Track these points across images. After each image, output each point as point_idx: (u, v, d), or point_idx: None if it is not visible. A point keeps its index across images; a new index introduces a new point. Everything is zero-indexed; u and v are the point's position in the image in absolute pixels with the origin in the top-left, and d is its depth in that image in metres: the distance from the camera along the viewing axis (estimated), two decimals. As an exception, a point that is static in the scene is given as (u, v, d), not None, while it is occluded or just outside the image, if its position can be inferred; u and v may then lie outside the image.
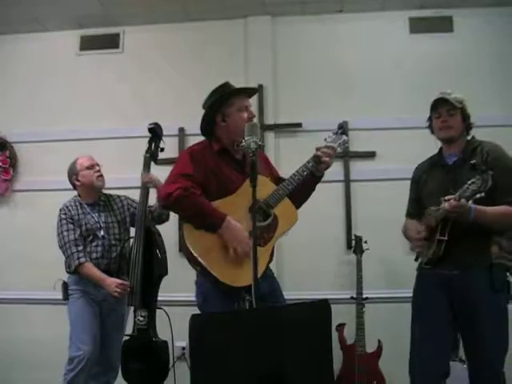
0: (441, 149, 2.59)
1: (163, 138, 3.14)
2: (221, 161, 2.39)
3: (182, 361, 3.43)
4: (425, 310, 2.47)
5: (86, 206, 3.07)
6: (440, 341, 2.40)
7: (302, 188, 2.43)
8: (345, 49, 4.01)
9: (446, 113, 2.47)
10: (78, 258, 2.94)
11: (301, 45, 4.05)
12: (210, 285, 2.31)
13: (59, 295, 3.04)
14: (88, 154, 3.16)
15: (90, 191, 3.09)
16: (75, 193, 3.15)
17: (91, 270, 2.94)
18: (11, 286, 3.86)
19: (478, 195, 2.16)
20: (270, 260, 2.45)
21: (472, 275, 2.32)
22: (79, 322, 2.94)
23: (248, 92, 2.55)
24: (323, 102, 3.90)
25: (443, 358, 2.41)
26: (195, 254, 2.24)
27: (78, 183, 3.09)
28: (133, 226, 3.08)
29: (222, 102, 2.41)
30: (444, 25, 3.96)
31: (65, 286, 3.03)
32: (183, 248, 2.37)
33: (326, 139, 2.48)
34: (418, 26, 3.98)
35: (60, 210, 3.04)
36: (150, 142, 3.10)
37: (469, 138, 2.53)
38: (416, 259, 2.61)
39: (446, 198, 2.27)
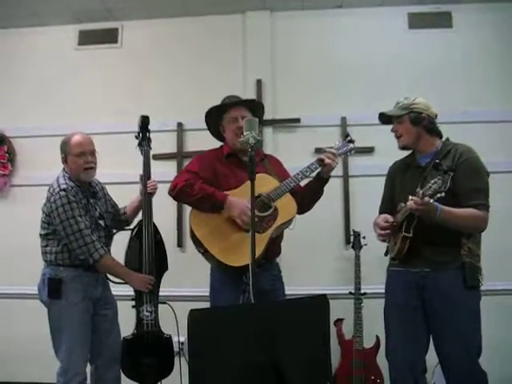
0: (414, 151, 2.61)
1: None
2: (230, 163, 2.69)
3: (180, 355, 3.44)
4: (397, 310, 2.49)
5: (84, 190, 2.76)
6: (415, 339, 2.42)
7: (308, 190, 2.71)
8: (344, 44, 4.01)
9: (396, 123, 2.54)
10: (102, 247, 2.66)
11: (299, 40, 4.05)
12: (218, 275, 2.62)
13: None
14: (84, 136, 2.78)
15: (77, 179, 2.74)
16: None
17: (114, 261, 2.71)
18: (10, 281, 3.86)
19: (438, 195, 2.17)
20: (278, 252, 2.80)
21: (445, 273, 2.35)
22: (78, 341, 2.61)
23: (244, 103, 2.74)
24: (322, 97, 3.91)
25: (420, 355, 2.44)
26: (198, 236, 2.53)
27: (65, 164, 2.76)
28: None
29: (218, 115, 2.74)
30: (443, 20, 3.97)
31: (58, 282, 2.61)
32: (190, 232, 2.60)
33: (333, 146, 2.69)
34: (417, 21, 3.98)
35: (64, 191, 2.61)
36: (144, 134, 2.96)
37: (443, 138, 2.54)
38: (386, 254, 2.64)
39: (411, 196, 2.29)
